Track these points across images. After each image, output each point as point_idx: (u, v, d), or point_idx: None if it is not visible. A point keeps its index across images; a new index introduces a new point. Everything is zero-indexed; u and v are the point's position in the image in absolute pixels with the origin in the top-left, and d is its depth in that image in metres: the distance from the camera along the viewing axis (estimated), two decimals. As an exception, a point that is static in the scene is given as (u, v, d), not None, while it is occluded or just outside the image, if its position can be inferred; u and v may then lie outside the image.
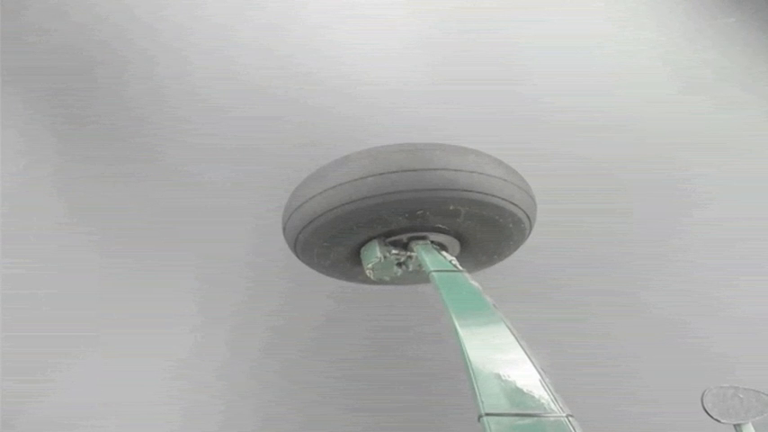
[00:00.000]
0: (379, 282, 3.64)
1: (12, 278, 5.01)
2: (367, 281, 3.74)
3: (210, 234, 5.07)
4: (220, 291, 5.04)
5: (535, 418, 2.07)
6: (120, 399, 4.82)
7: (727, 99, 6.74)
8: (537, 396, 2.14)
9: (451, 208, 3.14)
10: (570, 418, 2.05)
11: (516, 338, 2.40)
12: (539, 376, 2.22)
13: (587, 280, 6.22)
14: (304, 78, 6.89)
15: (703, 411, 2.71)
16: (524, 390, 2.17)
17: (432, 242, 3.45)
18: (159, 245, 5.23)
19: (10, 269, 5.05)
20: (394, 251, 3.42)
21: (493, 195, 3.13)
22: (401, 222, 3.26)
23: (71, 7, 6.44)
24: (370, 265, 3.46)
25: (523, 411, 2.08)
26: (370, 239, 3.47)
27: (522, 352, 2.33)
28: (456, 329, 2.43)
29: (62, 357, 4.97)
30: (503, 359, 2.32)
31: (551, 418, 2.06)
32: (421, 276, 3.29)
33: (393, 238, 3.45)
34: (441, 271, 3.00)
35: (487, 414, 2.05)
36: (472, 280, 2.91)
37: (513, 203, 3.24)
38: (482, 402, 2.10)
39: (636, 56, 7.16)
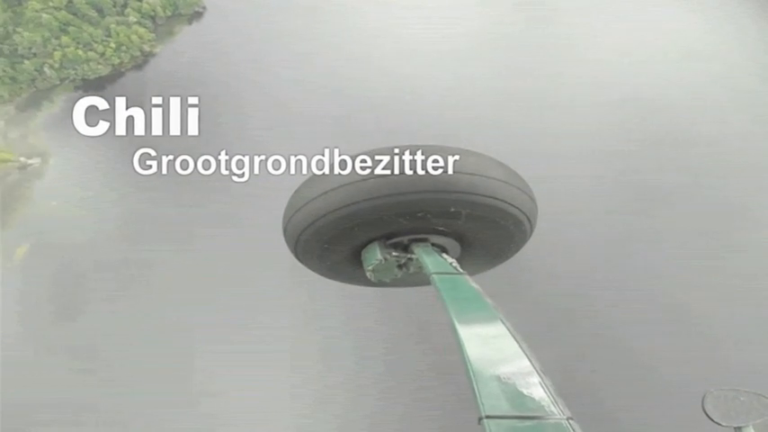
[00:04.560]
0: (380, 284, 3.64)
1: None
2: (367, 283, 3.75)
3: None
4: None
5: (535, 421, 2.06)
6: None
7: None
8: (537, 398, 2.14)
9: (452, 210, 3.14)
10: (570, 421, 2.05)
11: (517, 340, 2.40)
12: (539, 378, 2.22)
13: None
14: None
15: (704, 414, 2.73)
16: (525, 392, 2.17)
17: (432, 244, 3.45)
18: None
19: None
20: (395, 253, 3.43)
21: (493, 197, 3.13)
22: (402, 224, 3.27)
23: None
24: (370, 267, 3.47)
25: (524, 414, 2.08)
26: (370, 241, 3.49)
27: (523, 354, 2.33)
28: (456, 332, 2.43)
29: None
30: (503, 361, 2.32)
31: (552, 421, 2.06)
32: (421, 278, 3.28)
33: (394, 240, 3.47)
34: (441, 273, 2.99)
35: (488, 417, 2.05)
36: (473, 282, 2.91)
37: (513, 205, 3.23)
38: (482, 405, 2.10)
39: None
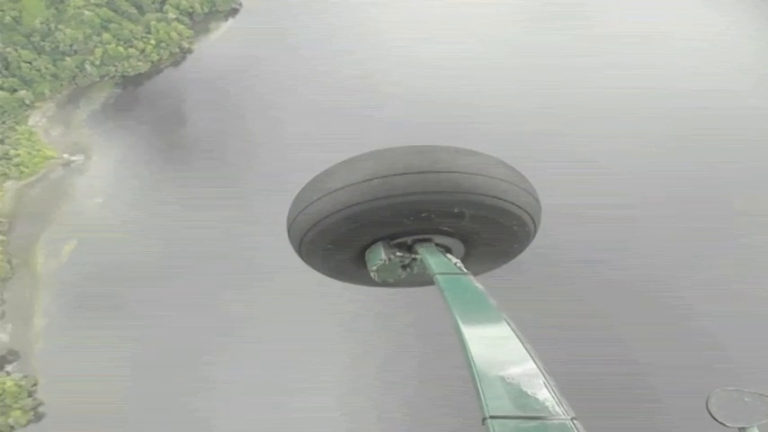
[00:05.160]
0: (383, 284, 3.64)
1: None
2: (371, 283, 3.73)
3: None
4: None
5: (539, 422, 2.07)
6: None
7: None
8: (541, 399, 2.14)
9: (456, 210, 3.14)
10: (575, 422, 2.05)
11: (521, 341, 2.40)
12: (543, 379, 2.22)
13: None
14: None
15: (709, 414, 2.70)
16: (529, 392, 2.17)
17: (436, 244, 3.44)
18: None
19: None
20: (399, 253, 3.42)
21: (497, 198, 3.12)
22: (405, 225, 3.27)
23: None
24: (374, 268, 3.46)
25: (528, 414, 2.09)
26: (374, 242, 3.48)
27: (527, 354, 2.34)
28: (460, 332, 2.44)
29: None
30: (507, 362, 2.32)
31: (556, 422, 2.06)
32: (426, 279, 3.25)
33: (398, 241, 3.46)
34: (445, 274, 2.98)
35: (492, 417, 2.06)
36: (477, 282, 2.91)
37: (517, 206, 3.21)
38: (486, 405, 2.11)
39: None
